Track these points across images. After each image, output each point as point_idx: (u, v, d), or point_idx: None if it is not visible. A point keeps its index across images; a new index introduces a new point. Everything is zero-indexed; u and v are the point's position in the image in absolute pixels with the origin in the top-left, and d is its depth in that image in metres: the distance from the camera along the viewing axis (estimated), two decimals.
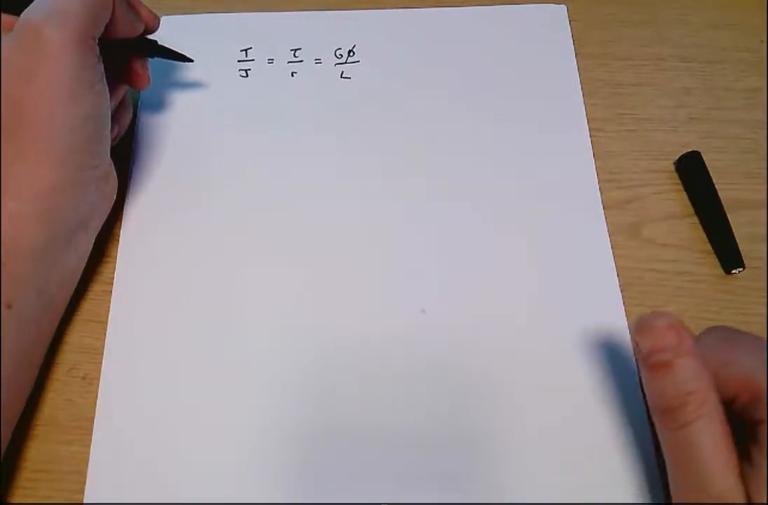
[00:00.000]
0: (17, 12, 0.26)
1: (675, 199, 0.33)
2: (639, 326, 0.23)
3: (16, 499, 0.27)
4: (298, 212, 0.33)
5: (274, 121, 0.35)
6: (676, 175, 0.34)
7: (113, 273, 0.32)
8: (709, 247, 0.32)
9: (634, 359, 0.24)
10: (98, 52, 0.27)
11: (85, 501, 0.27)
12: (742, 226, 0.32)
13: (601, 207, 0.33)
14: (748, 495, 0.21)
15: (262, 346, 0.30)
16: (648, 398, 0.24)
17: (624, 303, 0.30)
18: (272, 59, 0.37)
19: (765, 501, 0.20)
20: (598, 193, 0.33)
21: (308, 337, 0.30)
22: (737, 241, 0.31)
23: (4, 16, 0.27)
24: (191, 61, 0.33)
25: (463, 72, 0.37)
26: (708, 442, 0.21)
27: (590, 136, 0.35)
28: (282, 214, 0.33)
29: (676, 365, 0.22)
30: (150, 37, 0.31)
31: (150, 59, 0.32)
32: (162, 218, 0.33)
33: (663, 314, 0.23)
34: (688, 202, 0.33)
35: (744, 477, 0.21)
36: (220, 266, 0.32)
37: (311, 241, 0.32)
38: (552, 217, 0.33)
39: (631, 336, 0.28)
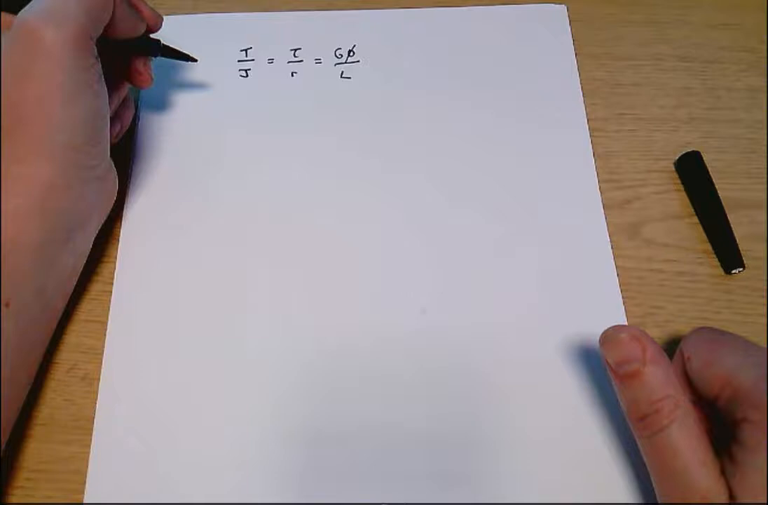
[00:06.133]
0: (16, 11, 0.26)
1: (675, 199, 0.33)
2: (604, 340, 0.24)
3: (15, 499, 0.27)
4: (298, 212, 0.33)
5: (274, 121, 0.35)
6: (676, 175, 0.34)
7: (113, 273, 0.32)
8: (709, 247, 0.32)
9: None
10: (96, 53, 0.27)
11: (85, 501, 0.27)
12: (742, 226, 0.32)
13: (601, 207, 0.33)
14: (732, 494, 0.21)
15: (262, 346, 0.30)
16: (623, 408, 0.24)
17: (624, 303, 0.30)
18: (272, 59, 0.37)
19: (749, 499, 0.21)
20: (598, 193, 0.33)
21: (308, 336, 0.30)
22: (737, 241, 0.31)
23: (3, 15, 0.27)
24: (195, 60, 0.33)
25: (463, 72, 0.37)
26: (684, 444, 0.22)
27: (590, 136, 0.35)
28: (282, 214, 0.33)
29: (645, 373, 0.23)
30: (152, 36, 0.31)
31: (153, 58, 0.32)
32: (162, 218, 0.33)
33: (625, 326, 0.24)
34: (688, 202, 0.33)
35: (727, 476, 0.21)
36: (220, 266, 0.32)
37: (311, 241, 0.32)
38: (552, 217, 0.33)
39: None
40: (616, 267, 0.31)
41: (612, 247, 0.32)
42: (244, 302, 0.31)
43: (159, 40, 0.31)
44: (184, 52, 0.33)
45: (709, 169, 0.33)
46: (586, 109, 0.35)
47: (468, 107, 0.36)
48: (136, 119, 0.35)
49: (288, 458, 0.28)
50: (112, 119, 0.30)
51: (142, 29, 0.30)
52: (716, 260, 0.32)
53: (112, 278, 0.31)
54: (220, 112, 0.36)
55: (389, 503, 0.27)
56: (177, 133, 0.35)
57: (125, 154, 0.34)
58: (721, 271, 0.31)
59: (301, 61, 0.37)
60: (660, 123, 0.35)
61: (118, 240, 0.32)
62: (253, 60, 0.37)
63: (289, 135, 0.35)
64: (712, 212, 0.32)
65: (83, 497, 0.27)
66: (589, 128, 0.35)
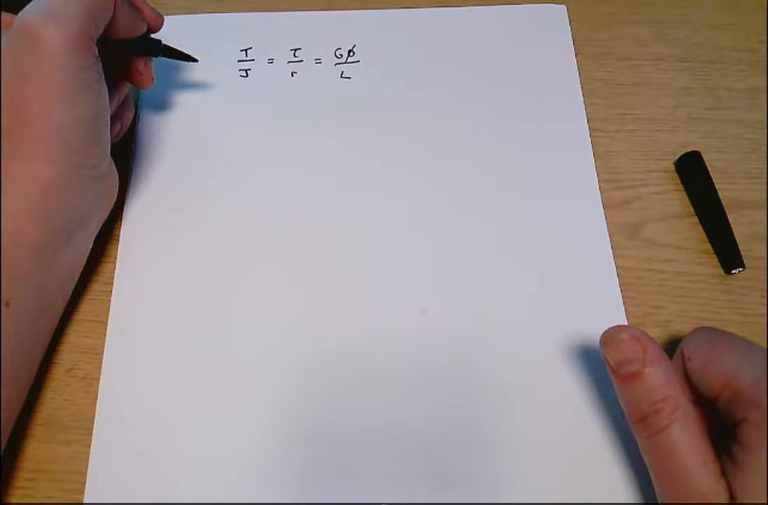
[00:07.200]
0: (16, 11, 0.26)
1: (675, 199, 0.33)
2: (605, 340, 0.24)
3: (15, 499, 0.27)
4: (298, 212, 0.33)
5: (274, 121, 0.35)
6: (676, 175, 0.34)
7: (113, 273, 0.32)
8: (709, 247, 0.32)
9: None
10: (96, 53, 0.27)
11: (85, 501, 0.27)
12: (742, 226, 0.32)
13: (601, 207, 0.33)
14: (732, 494, 0.21)
15: (262, 345, 0.30)
16: (624, 408, 0.24)
17: (624, 303, 0.30)
18: (272, 59, 0.37)
19: (750, 500, 0.21)
20: (598, 193, 0.33)
21: (308, 336, 0.30)
22: (737, 241, 0.31)
23: (3, 15, 0.27)
24: (196, 60, 0.33)
25: (463, 72, 0.37)
26: (684, 444, 0.22)
27: (590, 136, 0.35)
28: (282, 213, 0.33)
29: (645, 374, 0.23)
30: (152, 36, 0.31)
31: (153, 58, 0.32)
32: (162, 218, 0.33)
33: (626, 326, 0.24)
34: (688, 202, 0.33)
35: (728, 476, 0.22)
36: (220, 266, 0.32)
37: (312, 241, 0.32)
38: (552, 217, 0.33)
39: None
40: (616, 267, 0.31)
41: (612, 247, 0.32)
42: (244, 301, 0.31)
43: (160, 40, 0.31)
44: (185, 52, 0.33)
45: (709, 169, 0.33)
46: (586, 109, 0.35)
47: (468, 107, 0.36)
48: (136, 119, 0.35)
49: (288, 458, 0.28)
50: (112, 119, 0.30)
51: (143, 29, 0.30)
52: (716, 259, 0.32)
53: (112, 278, 0.31)
54: (220, 112, 0.36)
55: (389, 503, 0.27)
56: (177, 134, 0.35)
57: (125, 154, 0.34)
58: (721, 271, 0.31)
59: (301, 61, 0.37)
60: (660, 123, 0.35)
61: (118, 240, 0.32)
62: (253, 60, 0.37)
63: (289, 135, 0.35)
64: (712, 212, 0.32)
65: (83, 497, 0.27)
66: (589, 128, 0.35)
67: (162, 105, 0.36)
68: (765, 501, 0.20)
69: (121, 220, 0.33)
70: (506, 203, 0.33)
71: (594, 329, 0.26)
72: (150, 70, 0.32)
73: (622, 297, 0.31)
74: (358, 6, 0.39)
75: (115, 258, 0.32)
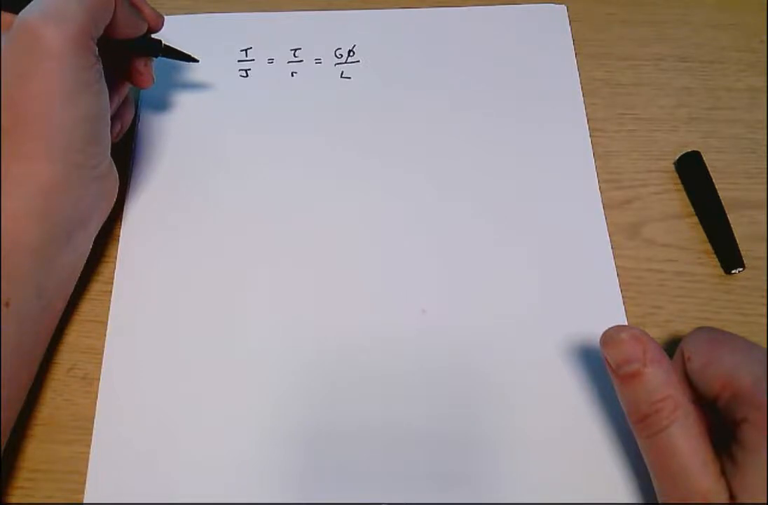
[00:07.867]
0: (16, 11, 0.26)
1: (675, 199, 0.33)
2: (605, 340, 0.24)
3: (15, 499, 0.27)
4: (298, 212, 0.33)
5: (274, 121, 0.35)
6: (676, 175, 0.34)
7: (113, 273, 0.32)
8: (709, 247, 0.32)
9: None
10: (96, 53, 0.27)
11: (85, 501, 0.27)
12: (742, 226, 0.32)
13: (601, 207, 0.33)
14: (732, 494, 0.21)
15: (262, 345, 0.30)
16: (624, 408, 0.24)
17: (624, 303, 0.30)
18: (272, 59, 0.37)
19: (750, 500, 0.21)
20: (598, 193, 0.33)
21: (309, 336, 0.30)
22: (737, 241, 0.31)
23: (4, 15, 0.27)
24: (197, 61, 0.33)
25: (463, 72, 0.37)
26: (684, 444, 0.22)
27: (590, 136, 0.35)
28: (282, 214, 0.33)
29: (645, 373, 0.23)
30: (152, 36, 0.31)
31: (153, 58, 0.32)
32: (162, 218, 0.33)
33: (626, 326, 0.24)
34: (688, 202, 0.33)
35: (728, 476, 0.22)
36: (221, 266, 0.32)
37: (311, 241, 0.32)
38: (552, 217, 0.33)
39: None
40: (616, 267, 0.31)
41: (612, 247, 0.32)
42: (244, 301, 0.31)
43: (160, 41, 0.31)
44: (185, 52, 0.33)
45: (709, 169, 0.33)
46: (586, 109, 0.35)
47: (468, 107, 0.36)
48: (136, 119, 0.35)
49: (288, 458, 0.28)
50: (113, 119, 0.30)
51: (144, 29, 0.30)
52: (716, 259, 0.32)
53: (112, 278, 0.31)
54: (220, 112, 0.36)
55: (389, 503, 0.27)
56: (177, 134, 0.35)
57: (125, 154, 0.34)
58: (721, 271, 0.31)
59: (301, 61, 0.37)
60: (660, 123, 0.35)
61: (118, 240, 0.32)
62: (253, 60, 0.37)
63: (289, 135, 0.35)
64: (712, 212, 0.32)
65: (83, 497, 0.27)
66: (589, 128, 0.35)
67: (162, 105, 0.36)
68: (765, 501, 0.20)
69: (121, 220, 0.33)
70: (506, 203, 0.33)
71: (594, 329, 0.26)
72: (150, 70, 0.32)
73: (622, 297, 0.31)
74: (358, 6, 0.39)
75: (115, 258, 0.32)
